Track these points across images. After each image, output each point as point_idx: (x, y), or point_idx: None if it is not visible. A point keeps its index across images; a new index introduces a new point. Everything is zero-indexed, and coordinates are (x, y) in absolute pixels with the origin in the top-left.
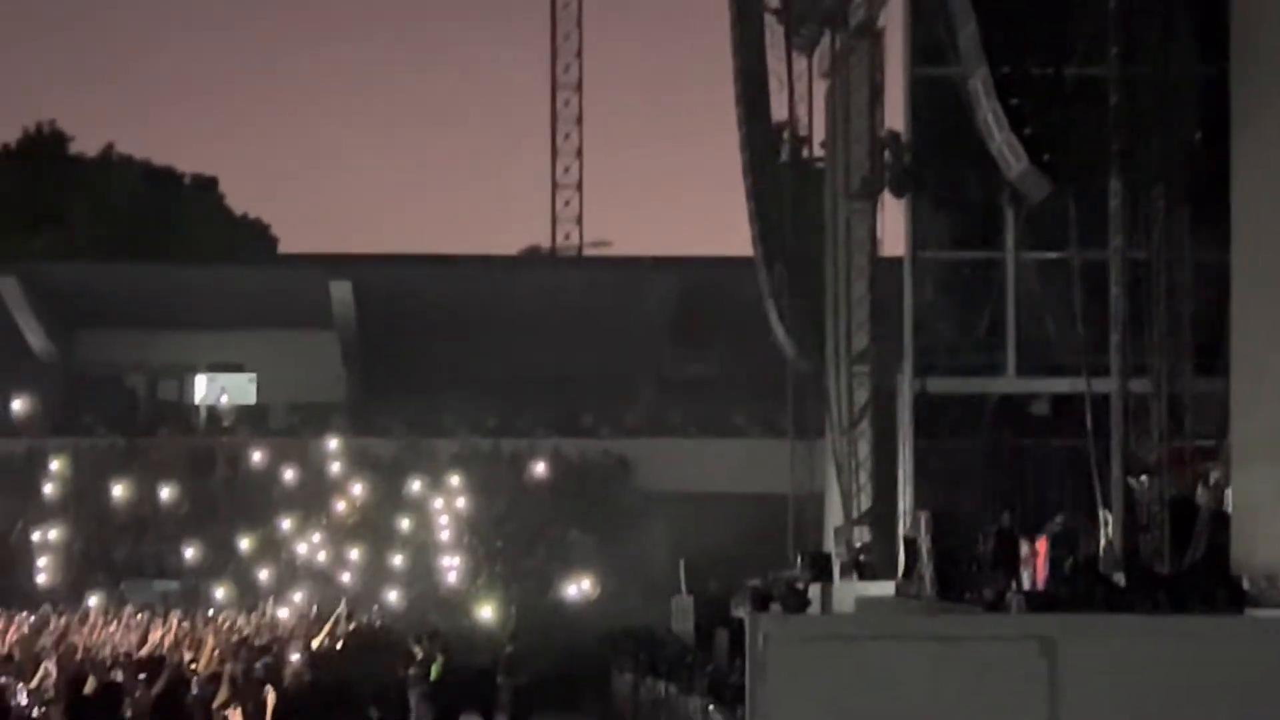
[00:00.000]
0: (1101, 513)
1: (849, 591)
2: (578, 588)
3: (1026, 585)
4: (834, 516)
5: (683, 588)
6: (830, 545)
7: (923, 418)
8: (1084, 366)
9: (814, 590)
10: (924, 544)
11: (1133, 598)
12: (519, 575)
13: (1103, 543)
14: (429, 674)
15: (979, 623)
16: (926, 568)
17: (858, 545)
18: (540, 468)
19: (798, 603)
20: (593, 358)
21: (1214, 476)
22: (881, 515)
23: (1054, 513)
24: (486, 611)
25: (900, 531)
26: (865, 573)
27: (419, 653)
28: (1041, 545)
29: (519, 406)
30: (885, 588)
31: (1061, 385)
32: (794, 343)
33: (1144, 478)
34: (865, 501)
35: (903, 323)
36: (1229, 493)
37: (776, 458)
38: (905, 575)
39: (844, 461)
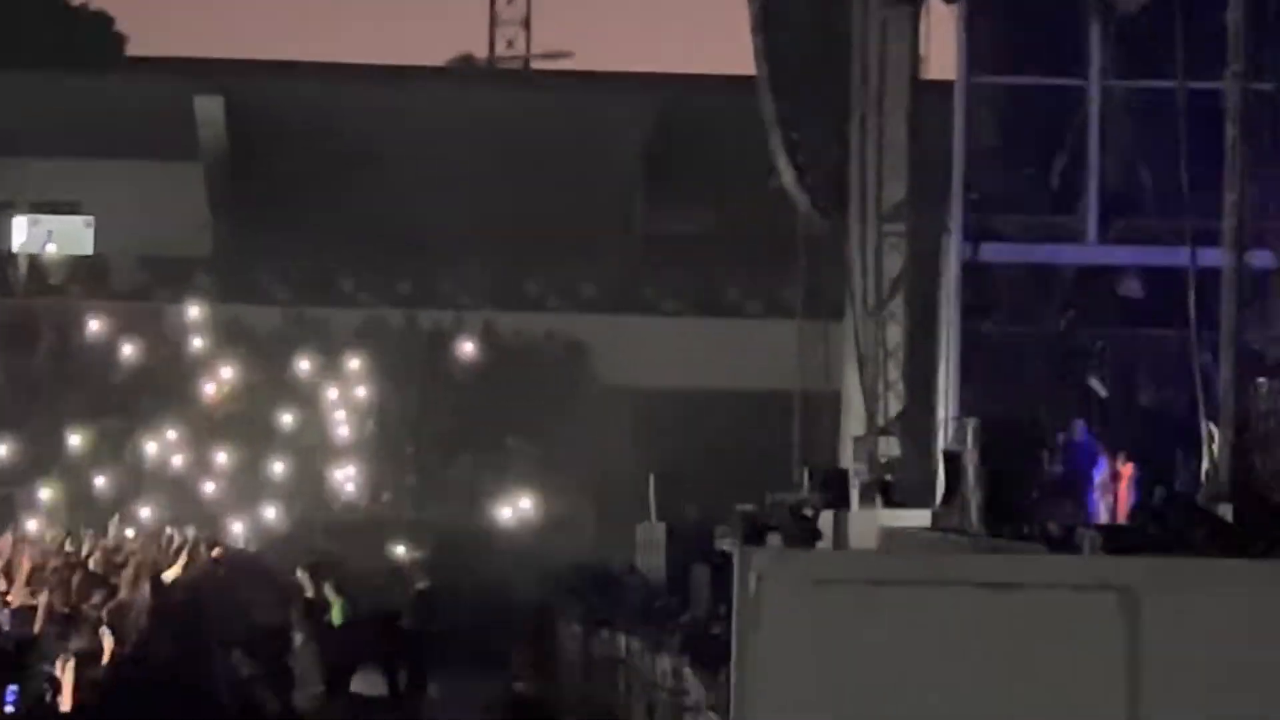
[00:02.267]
0: (1205, 426)
1: (871, 521)
2: (514, 509)
3: (1103, 518)
4: (853, 423)
5: (652, 512)
6: (848, 460)
7: (973, 296)
8: (1188, 233)
9: (825, 519)
10: (970, 461)
11: (1244, 538)
12: (437, 491)
13: (1205, 466)
14: (323, 618)
15: (1040, 566)
16: (973, 492)
17: (884, 461)
18: (468, 350)
19: (804, 534)
20: (540, 206)
21: None
22: (916, 422)
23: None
24: (394, 537)
25: (939, 445)
26: (893, 497)
27: (308, 589)
28: (1125, 468)
29: (441, 267)
30: (919, 517)
31: (1157, 257)
32: (807, 192)
33: (1262, 381)
34: (895, 405)
35: (951, 170)
36: None
37: (779, 344)
38: (945, 502)
39: (869, 351)
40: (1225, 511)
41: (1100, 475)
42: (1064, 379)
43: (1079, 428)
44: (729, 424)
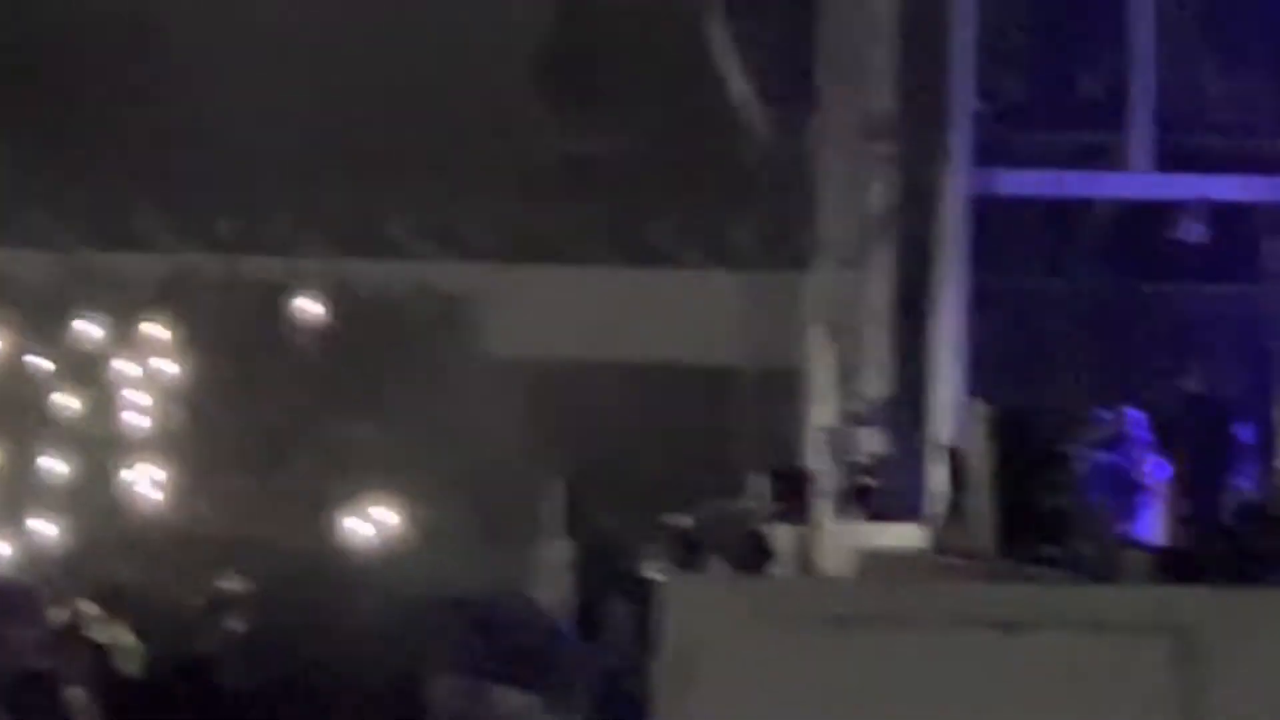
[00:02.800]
0: (1278, 413)
1: (846, 539)
2: (369, 522)
3: (1150, 536)
4: (821, 408)
5: (555, 527)
6: (814, 459)
7: (984, 239)
8: (1266, 156)
9: (783, 536)
10: (979, 460)
11: None
12: (268, 500)
13: (1279, 466)
14: (111, 666)
15: (1072, 600)
16: (983, 502)
17: (862, 460)
18: (311, 310)
19: (755, 556)
20: (407, 119)
21: None
22: (906, 409)
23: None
24: (210, 561)
25: (937, 437)
26: (875, 508)
27: (92, 629)
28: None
29: (273, 200)
30: (909, 534)
31: (1225, 189)
32: (763, 103)
33: None
34: (877, 385)
35: (951, 69)
36: None
37: (724, 304)
38: (945, 514)
39: (844, 314)
40: None
41: (1156, 480)
42: (1105, 350)
43: (1131, 417)
44: (657, 410)
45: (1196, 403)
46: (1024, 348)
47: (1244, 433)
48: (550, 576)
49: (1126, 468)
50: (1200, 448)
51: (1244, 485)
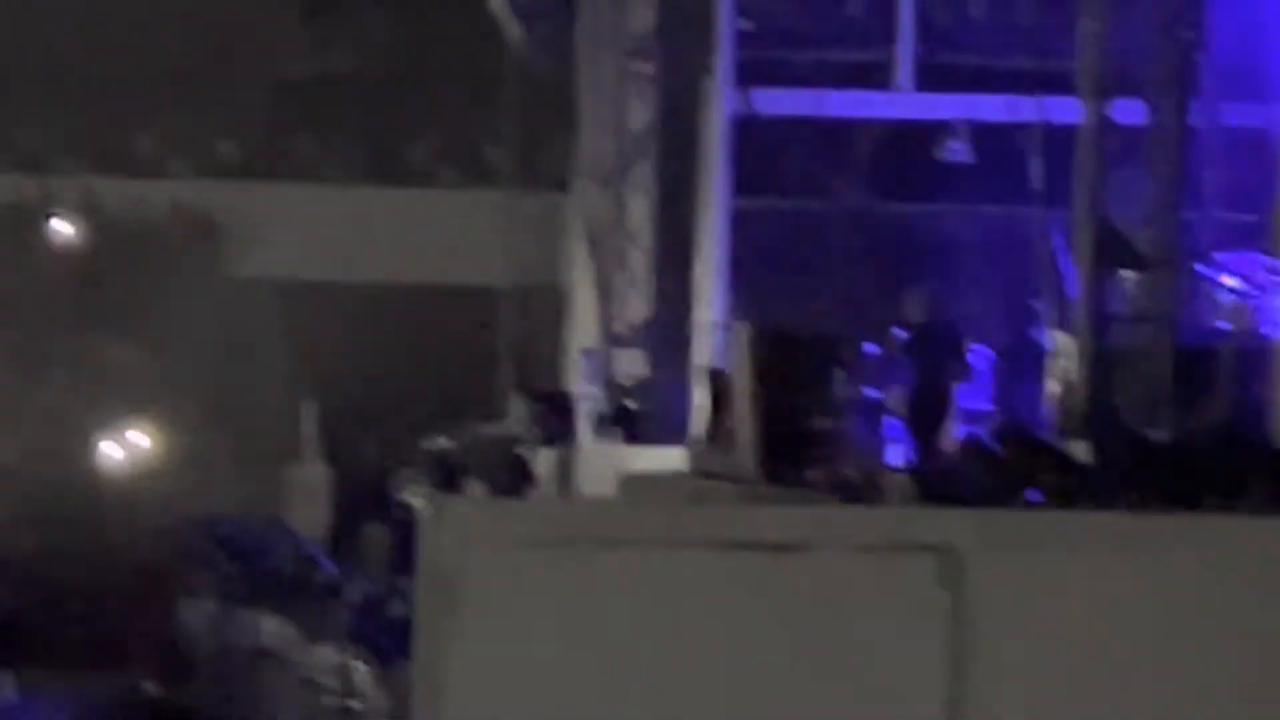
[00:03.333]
0: (1053, 335)
1: (607, 462)
2: (119, 445)
3: (917, 459)
4: (583, 330)
5: (309, 450)
6: (575, 380)
7: (747, 159)
8: (1033, 77)
9: (544, 459)
10: (741, 383)
11: (1106, 483)
12: (13, 423)
13: (1054, 389)
14: None
15: (835, 521)
16: (745, 425)
17: (624, 382)
18: (61, 230)
19: (515, 480)
20: (157, 36)
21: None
22: (668, 330)
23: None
24: None
25: (699, 359)
26: (636, 429)
27: None
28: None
29: (23, 120)
30: (671, 457)
31: (991, 109)
32: (522, 19)
33: (1128, 274)
34: (639, 307)
35: None
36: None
37: (482, 223)
38: (707, 437)
39: (604, 234)
40: (1079, 450)
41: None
42: (868, 272)
43: (892, 337)
44: (414, 331)
45: (929, 326)
46: (787, 269)
47: (984, 355)
48: (305, 500)
49: (892, 389)
50: (930, 371)
51: (987, 408)
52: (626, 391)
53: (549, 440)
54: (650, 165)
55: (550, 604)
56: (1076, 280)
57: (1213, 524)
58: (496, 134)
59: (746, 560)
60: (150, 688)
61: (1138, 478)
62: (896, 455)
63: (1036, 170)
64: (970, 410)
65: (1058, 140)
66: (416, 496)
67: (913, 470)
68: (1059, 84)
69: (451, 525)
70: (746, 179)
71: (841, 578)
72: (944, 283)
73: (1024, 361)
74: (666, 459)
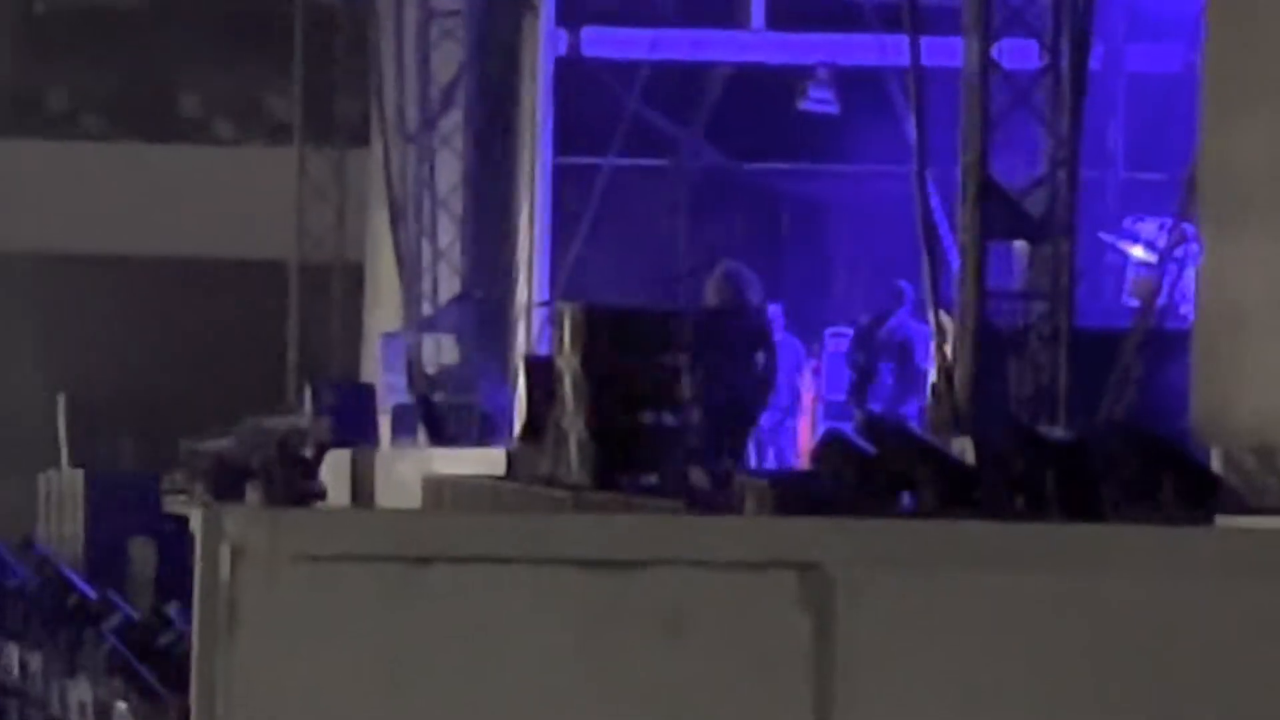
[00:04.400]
0: (932, 315)
1: (412, 464)
2: None
3: (773, 460)
4: (385, 311)
5: (62, 450)
6: (374, 370)
7: (575, 110)
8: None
9: (338, 460)
10: (570, 372)
11: (993, 487)
12: None
13: (932, 378)
14: None
15: (679, 533)
16: (574, 421)
17: (431, 371)
18: None
19: (302, 485)
20: None
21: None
22: (483, 310)
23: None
24: None
25: (519, 344)
26: (445, 428)
27: None
28: (809, 374)
29: None
30: (487, 458)
31: (858, 51)
32: None
33: (1022, 244)
34: (450, 283)
35: None
36: (1188, 276)
37: (266, 185)
38: (528, 436)
39: (409, 198)
40: (961, 447)
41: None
42: (714, 238)
43: (772, 314)
44: (186, 312)
45: (726, 311)
46: (623, 239)
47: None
48: (57, 510)
49: (752, 380)
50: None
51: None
52: (434, 382)
53: (344, 439)
54: (462, 118)
55: (345, 629)
56: (958, 250)
57: (1117, 534)
58: (283, 82)
59: (573, 579)
60: None
61: (1030, 481)
62: (751, 457)
63: (911, 123)
64: (833, 402)
65: (937, 87)
66: (188, 506)
67: (769, 475)
68: (938, 22)
69: (229, 538)
70: (574, 133)
71: (685, 600)
72: (806, 253)
73: (896, 345)
74: (481, 462)
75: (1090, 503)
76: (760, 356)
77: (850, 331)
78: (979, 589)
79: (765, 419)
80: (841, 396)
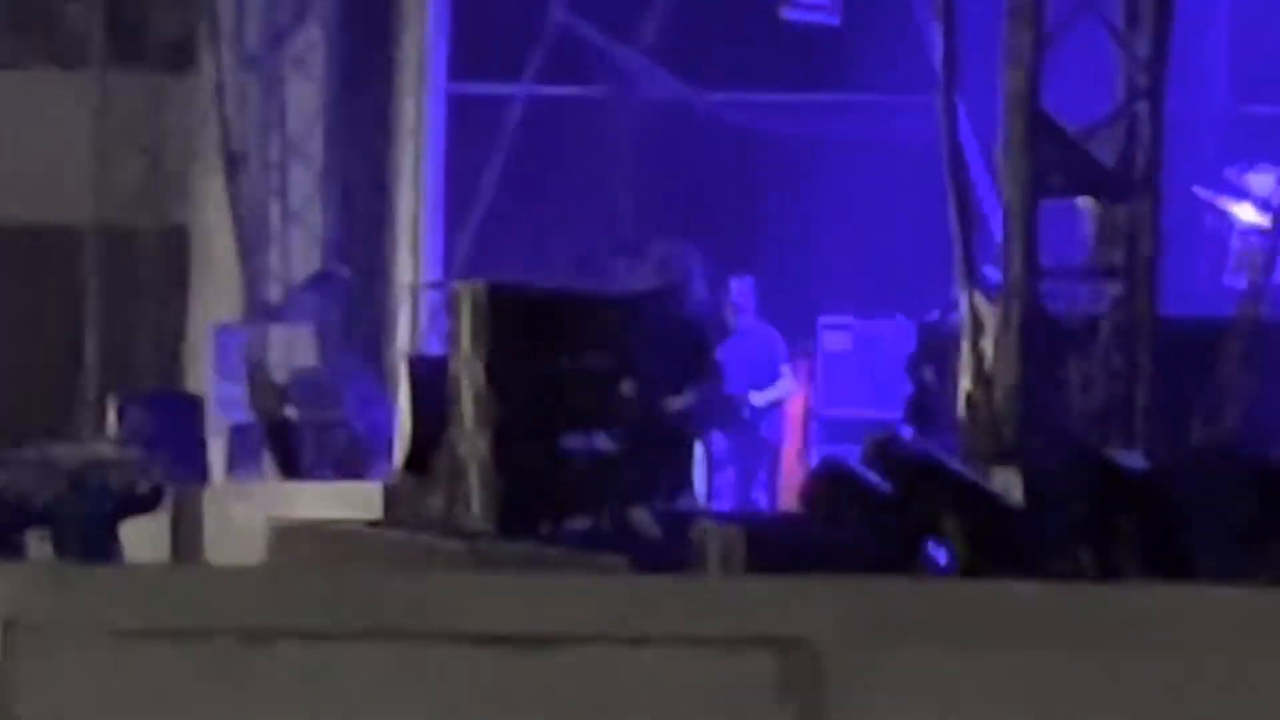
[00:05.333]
0: (964, 301)
1: (253, 503)
2: None
3: (737, 496)
4: (218, 295)
5: None
6: (203, 374)
7: (474, 23)
8: None
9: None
10: (466, 378)
11: (1046, 537)
12: None
13: (966, 386)
14: None
15: (621, 600)
16: (476, 446)
17: (280, 379)
18: None
19: (105, 532)
20: None
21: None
22: (350, 295)
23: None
24: None
25: (399, 341)
26: (299, 454)
27: None
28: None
29: None
30: (355, 496)
31: None
32: None
33: (1084, 200)
34: (307, 257)
35: None
36: None
37: (54, 122)
38: (408, 464)
39: (247, 139)
40: (1005, 481)
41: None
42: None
43: (740, 293)
44: None
45: (659, 300)
46: (540, 194)
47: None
48: None
49: (737, 385)
50: (656, 371)
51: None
52: (285, 393)
53: (163, 470)
54: (321, 32)
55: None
56: (1001, 212)
57: (1214, 598)
58: None
59: (471, 662)
60: None
61: (1098, 526)
62: (719, 495)
63: (936, 36)
64: (832, 419)
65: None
66: None
67: (742, 518)
68: None
69: (2, 608)
70: (477, 51)
71: (626, 690)
72: (792, 216)
73: (915, 342)
74: (348, 501)
75: (1179, 555)
76: (712, 356)
77: (850, 322)
78: (1030, 674)
79: (724, 438)
80: (842, 411)
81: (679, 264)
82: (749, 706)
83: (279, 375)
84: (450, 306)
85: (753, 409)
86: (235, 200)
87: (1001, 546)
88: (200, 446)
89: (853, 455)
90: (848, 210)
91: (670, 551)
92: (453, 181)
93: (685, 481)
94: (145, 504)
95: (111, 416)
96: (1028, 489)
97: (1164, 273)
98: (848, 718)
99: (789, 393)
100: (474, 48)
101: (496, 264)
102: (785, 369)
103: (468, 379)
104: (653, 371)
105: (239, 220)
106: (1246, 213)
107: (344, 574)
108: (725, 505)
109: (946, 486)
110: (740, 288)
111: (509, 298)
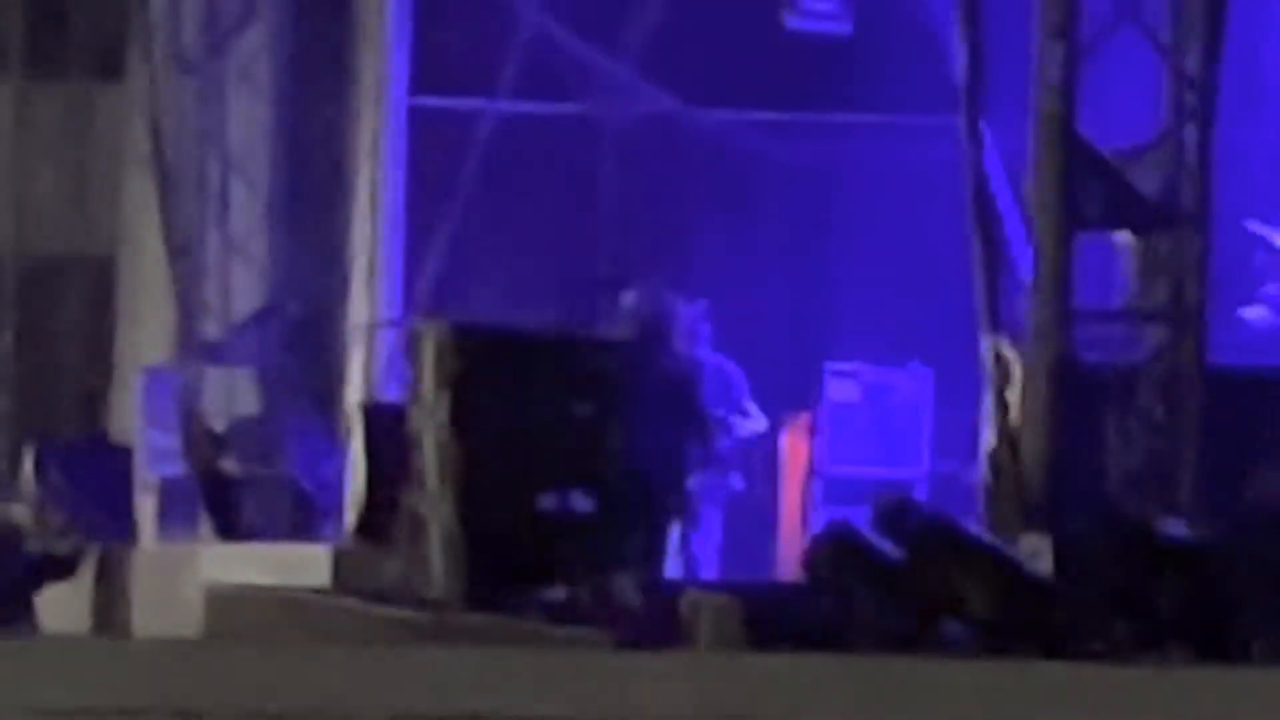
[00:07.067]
0: (988, 345)
1: (190, 569)
2: None
3: (710, 564)
4: (148, 332)
5: None
6: (136, 423)
7: (439, 28)
8: None
9: (68, 561)
10: (428, 428)
11: (1078, 611)
12: None
13: (990, 442)
14: None
15: (603, 678)
16: (438, 505)
17: (219, 427)
18: None
19: (18, 603)
20: None
21: None
22: (298, 332)
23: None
24: None
25: (358, 387)
26: (239, 513)
27: None
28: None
29: None
30: (307, 561)
31: None
32: None
33: (1123, 234)
34: (252, 290)
35: None
36: None
37: None
38: (363, 526)
39: (184, 157)
40: (1033, 549)
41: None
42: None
43: (693, 321)
44: None
45: (640, 350)
46: (511, 222)
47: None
48: None
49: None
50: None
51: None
52: (224, 443)
53: (85, 530)
54: (267, 36)
55: None
56: (1030, 246)
57: (1270, 683)
58: None
59: None
60: None
61: (1137, 599)
62: (708, 562)
63: (960, 50)
64: (837, 479)
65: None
66: None
67: (738, 589)
68: None
69: None
70: (442, 63)
71: None
72: (794, 249)
73: (933, 392)
74: (294, 566)
75: (1228, 633)
76: (686, 417)
77: (858, 369)
78: None
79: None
80: (849, 469)
81: (661, 309)
82: None
83: (217, 423)
84: (410, 348)
85: (733, 446)
86: (169, 226)
87: (1028, 621)
88: (127, 503)
89: (861, 519)
90: (858, 244)
91: (656, 625)
92: (414, 207)
93: (671, 547)
94: (65, 569)
95: (27, 469)
96: (1057, 558)
97: (1213, 317)
98: None
99: (760, 430)
100: (438, 58)
101: (462, 300)
102: (751, 405)
103: (430, 430)
104: (638, 423)
105: (173, 249)
106: None
107: (288, 648)
108: (715, 573)
109: (966, 554)
110: (692, 314)
111: (476, 338)
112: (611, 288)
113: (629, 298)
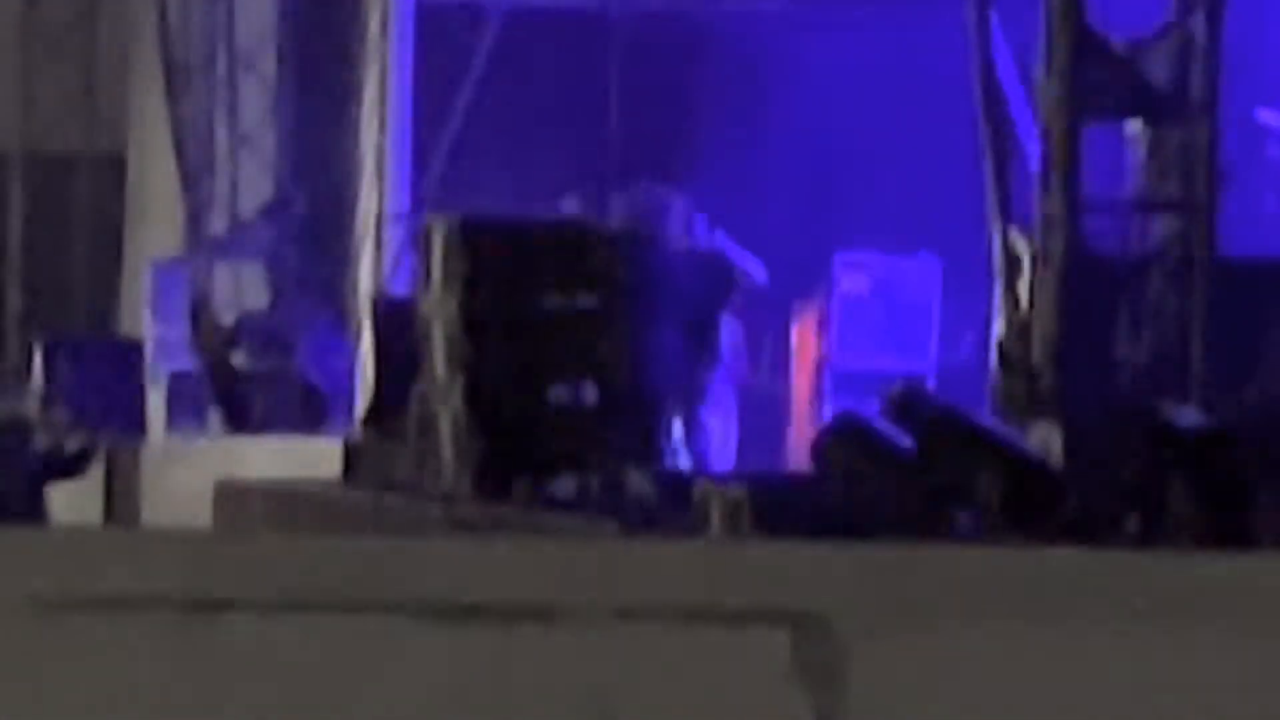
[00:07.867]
0: (997, 236)
1: (200, 463)
2: None
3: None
4: (157, 227)
5: None
6: (145, 318)
7: None
8: None
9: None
10: (442, 321)
11: (1089, 500)
12: None
13: (1000, 331)
14: None
15: (613, 568)
16: (448, 398)
17: (228, 320)
18: None
19: (29, 495)
20: None
21: None
22: (307, 228)
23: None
24: None
25: (362, 282)
26: (251, 405)
27: None
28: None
29: None
30: (318, 454)
31: None
32: None
33: (1133, 123)
34: (260, 184)
35: None
36: None
37: None
38: (372, 418)
39: (190, 51)
40: (1043, 438)
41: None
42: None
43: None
44: None
45: (635, 251)
46: (519, 116)
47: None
48: None
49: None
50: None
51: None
52: (233, 338)
53: (94, 426)
54: None
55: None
56: (1038, 136)
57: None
58: None
59: (444, 639)
60: None
61: (1148, 488)
62: (722, 454)
63: None
64: (847, 373)
65: None
66: None
67: (748, 479)
68: None
69: None
70: None
71: (619, 670)
72: (801, 140)
73: (943, 282)
74: (304, 459)
75: (1240, 523)
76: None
77: (869, 260)
78: (1071, 653)
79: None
80: (860, 360)
81: (653, 202)
82: (758, 689)
83: (226, 317)
84: (419, 242)
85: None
86: (177, 121)
87: (1038, 510)
88: (137, 398)
89: (872, 409)
90: (868, 134)
91: (668, 516)
92: (422, 101)
93: (682, 439)
94: (74, 465)
95: (36, 366)
96: (1068, 447)
97: (1223, 207)
98: (868, 701)
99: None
100: None
101: (471, 194)
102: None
103: (439, 323)
104: (640, 317)
105: (181, 144)
106: None
107: (299, 539)
108: (727, 464)
109: (976, 443)
110: (686, 206)
111: (485, 231)
112: (620, 182)
113: (625, 194)
